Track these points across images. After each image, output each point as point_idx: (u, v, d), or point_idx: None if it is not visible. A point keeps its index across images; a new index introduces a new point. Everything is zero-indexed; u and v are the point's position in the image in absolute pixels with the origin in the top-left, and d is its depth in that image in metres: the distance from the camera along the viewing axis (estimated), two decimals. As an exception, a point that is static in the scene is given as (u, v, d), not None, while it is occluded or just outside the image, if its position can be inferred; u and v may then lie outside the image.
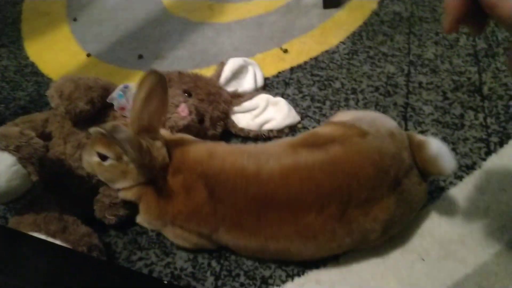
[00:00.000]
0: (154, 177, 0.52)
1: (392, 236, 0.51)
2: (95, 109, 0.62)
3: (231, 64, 0.77)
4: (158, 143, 0.51)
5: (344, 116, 0.57)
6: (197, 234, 0.52)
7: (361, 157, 0.48)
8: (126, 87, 0.65)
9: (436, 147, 0.50)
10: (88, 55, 1.03)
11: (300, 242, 0.48)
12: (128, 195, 0.54)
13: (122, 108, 0.64)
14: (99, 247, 0.56)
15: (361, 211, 0.46)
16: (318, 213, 0.46)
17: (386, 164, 0.47)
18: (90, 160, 0.53)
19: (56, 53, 1.06)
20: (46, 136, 0.63)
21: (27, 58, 1.06)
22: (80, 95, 0.60)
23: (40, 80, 0.97)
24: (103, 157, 0.51)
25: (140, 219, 0.56)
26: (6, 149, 0.51)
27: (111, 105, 0.64)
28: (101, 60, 1.01)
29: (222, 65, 0.77)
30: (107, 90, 0.65)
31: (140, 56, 0.98)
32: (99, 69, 0.98)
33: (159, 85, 0.51)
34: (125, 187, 0.53)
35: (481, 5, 0.33)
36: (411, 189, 0.49)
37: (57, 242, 0.51)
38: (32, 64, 1.03)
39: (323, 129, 0.54)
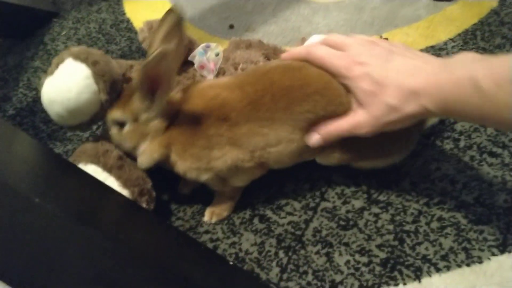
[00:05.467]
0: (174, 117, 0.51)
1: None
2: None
3: (312, 41, 0.72)
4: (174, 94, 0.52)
5: None
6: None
7: None
8: (208, 46, 0.65)
9: None
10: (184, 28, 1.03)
11: None
12: (155, 156, 0.51)
13: (202, 67, 0.64)
14: (151, 193, 0.55)
15: None
16: None
17: None
18: (111, 133, 0.53)
19: (151, 13, 1.08)
20: (127, 80, 0.64)
21: (124, 13, 1.09)
22: None
23: (133, 37, 0.99)
24: (121, 124, 0.52)
25: (182, 165, 0.52)
26: (84, 61, 0.52)
27: (192, 63, 0.64)
28: (192, 25, 1.00)
29: (303, 41, 0.74)
30: (192, 43, 0.66)
31: (231, 26, 0.96)
32: (189, 34, 0.97)
33: (177, 26, 0.49)
34: (147, 150, 0.52)
35: None
36: None
37: (111, 177, 0.52)
38: (128, 20, 1.05)
39: None
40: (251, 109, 0.49)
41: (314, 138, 0.50)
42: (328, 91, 0.49)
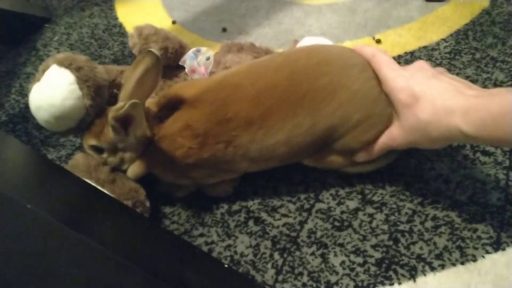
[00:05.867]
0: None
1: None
2: (167, 59, 0.65)
3: (304, 44, 0.72)
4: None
5: None
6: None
7: None
8: (198, 50, 0.66)
9: None
10: (174, 22, 1.03)
11: None
12: (138, 174, 0.55)
13: (193, 71, 0.64)
14: (144, 204, 0.55)
15: None
16: None
17: None
18: (92, 155, 0.55)
19: (144, 17, 1.07)
20: (117, 86, 0.64)
21: (116, 18, 1.08)
22: (157, 40, 0.64)
23: (126, 41, 0.98)
24: (98, 150, 0.53)
25: (164, 179, 0.57)
26: (68, 67, 0.52)
27: (183, 68, 0.65)
28: (185, 29, 1.00)
29: (295, 43, 0.73)
30: (183, 47, 0.67)
31: (224, 29, 0.96)
32: (182, 37, 0.95)
33: (155, 66, 0.50)
34: (130, 169, 0.55)
35: None
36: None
37: (104, 191, 0.52)
38: (120, 25, 1.05)
39: None
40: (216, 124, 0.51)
41: (360, 156, 0.53)
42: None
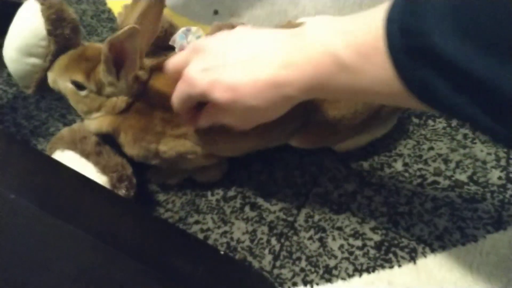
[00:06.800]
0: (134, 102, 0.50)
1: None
2: (156, 39, 0.63)
3: None
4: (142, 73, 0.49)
5: None
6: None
7: None
8: (188, 30, 0.64)
9: None
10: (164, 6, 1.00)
11: None
12: (102, 129, 0.51)
13: (182, 50, 0.62)
14: (131, 179, 0.53)
15: None
16: None
17: None
18: (63, 86, 0.50)
19: (133, 1, 1.05)
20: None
21: (105, 4, 1.05)
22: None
23: (115, 27, 0.96)
24: (80, 87, 0.49)
25: (130, 152, 0.52)
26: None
27: (173, 49, 0.63)
28: (176, 13, 0.97)
29: (289, 24, 0.71)
30: (173, 27, 0.65)
31: (216, 12, 0.94)
32: (171, 20, 0.95)
33: (157, 5, 0.47)
34: (97, 121, 0.51)
35: None
36: None
37: (89, 164, 0.51)
38: (109, 11, 1.02)
39: None
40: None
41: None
42: None
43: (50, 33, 0.50)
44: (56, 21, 0.50)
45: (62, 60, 0.50)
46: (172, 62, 0.45)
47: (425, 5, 0.28)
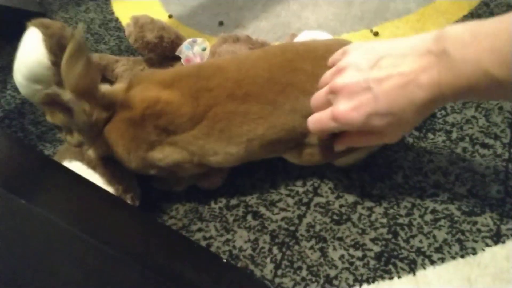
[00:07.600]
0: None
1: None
2: (162, 49, 0.66)
3: (302, 38, 0.71)
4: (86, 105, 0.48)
5: None
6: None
7: None
8: (194, 41, 0.66)
9: None
10: (170, 16, 1.02)
11: None
12: (98, 154, 0.53)
13: (188, 61, 0.65)
14: (135, 189, 0.55)
15: None
16: None
17: None
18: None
19: (140, 11, 1.05)
20: (109, 72, 0.66)
21: (112, 13, 1.07)
22: (153, 28, 0.65)
23: (122, 36, 0.97)
24: (59, 128, 0.51)
25: (129, 166, 0.53)
26: (38, 27, 0.54)
27: (179, 59, 0.65)
28: (182, 23, 0.99)
29: (293, 36, 0.72)
30: (180, 39, 0.69)
31: (221, 23, 0.95)
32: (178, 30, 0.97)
33: (79, 51, 0.46)
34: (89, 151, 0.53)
35: None
36: None
37: (96, 175, 0.52)
38: (116, 20, 1.04)
39: None
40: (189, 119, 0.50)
41: (339, 145, 0.49)
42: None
43: (53, 63, 0.53)
44: (58, 51, 0.53)
45: None
46: (314, 105, 0.46)
47: None
